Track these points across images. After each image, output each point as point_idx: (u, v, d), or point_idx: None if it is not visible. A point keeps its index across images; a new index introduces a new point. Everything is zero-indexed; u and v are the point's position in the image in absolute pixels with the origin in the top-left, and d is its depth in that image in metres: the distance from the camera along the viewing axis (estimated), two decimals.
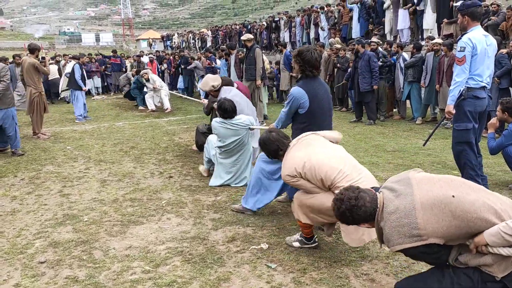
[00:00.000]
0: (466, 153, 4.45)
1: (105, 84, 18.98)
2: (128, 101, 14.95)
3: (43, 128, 9.27)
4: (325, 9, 16.82)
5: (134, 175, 6.06)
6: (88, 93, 16.09)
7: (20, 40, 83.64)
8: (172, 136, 8.92)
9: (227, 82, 6.50)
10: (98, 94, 18.34)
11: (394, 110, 10.77)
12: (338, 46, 12.53)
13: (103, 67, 18.39)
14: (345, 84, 10.97)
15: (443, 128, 8.53)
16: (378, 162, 6.37)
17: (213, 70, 13.86)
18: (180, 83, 16.65)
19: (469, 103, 4.32)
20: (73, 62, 12.83)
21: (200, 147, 7.17)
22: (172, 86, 17.71)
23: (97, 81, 18.28)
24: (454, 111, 4.39)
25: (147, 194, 5.17)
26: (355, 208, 2.31)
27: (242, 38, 9.60)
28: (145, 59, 19.10)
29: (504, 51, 7.82)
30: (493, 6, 10.30)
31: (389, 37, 13.47)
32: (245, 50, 9.52)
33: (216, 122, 5.26)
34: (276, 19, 20.97)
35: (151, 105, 12.88)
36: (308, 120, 4.01)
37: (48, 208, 4.76)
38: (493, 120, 4.83)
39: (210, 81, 6.08)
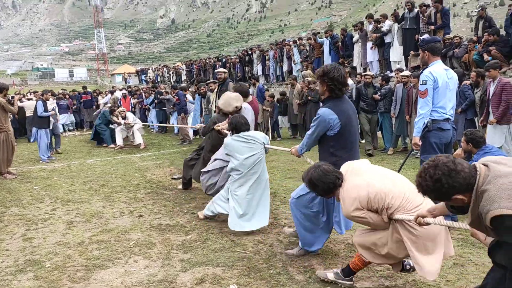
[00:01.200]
0: None
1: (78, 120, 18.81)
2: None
3: (11, 168, 9.01)
4: (298, 42, 17.17)
5: (102, 215, 5.89)
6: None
7: None
8: (144, 173, 8.77)
9: (242, 90, 6.19)
10: (70, 130, 18.10)
11: (361, 141, 10.88)
12: (310, 78, 12.74)
13: (76, 102, 18.26)
14: None
15: (414, 158, 8.64)
16: None
17: (182, 107, 13.60)
18: (152, 119, 16.53)
19: (434, 134, 4.41)
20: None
21: (187, 183, 7.01)
22: (142, 121, 17.65)
23: (69, 117, 18.08)
24: (420, 143, 4.45)
25: (115, 235, 5.00)
26: (454, 173, 2.02)
27: (216, 71, 9.66)
28: (118, 94, 18.99)
29: (467, 82, 8.06)
30: (455, 38, 10.69)
31: (359, 70, 13.77)
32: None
33: (231, 137, 4.98)
34: (249, 52, 21.30)
35: (119, 141, 12.70)
36: (338, 143, 3.76)
37: (9, 254, 4.55)
38: (458, 151, 4.91)
39: (233, 101, 5.64)
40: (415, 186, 2.83)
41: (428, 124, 4.39)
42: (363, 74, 10.80)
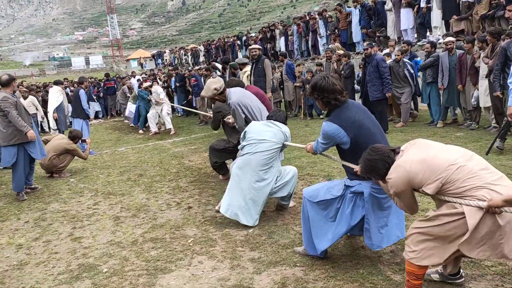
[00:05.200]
0: None
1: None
2: (128, 124, 14.45)
3: None
4: (323, 14, 16.40)
5: (149, 208, 5.50)
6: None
7: (10, 69, 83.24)
8: (181, 159, 8.36)
9: (236, 84, 5.79)
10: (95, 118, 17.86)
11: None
12: (341, 52, 12.06)
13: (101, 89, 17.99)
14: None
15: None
16: None
17: (200, 88, 13.19)
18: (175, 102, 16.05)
19: None
20: (55, 87, 12.10)
21: (220, 166, 6.36)
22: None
23: (96, 105, 17.80)
24: None
25: (169, 231, 4.60)
26: None
27: (249, 48, 9.06)
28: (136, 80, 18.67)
29: None
30: None
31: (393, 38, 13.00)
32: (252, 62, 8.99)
33: (258, 122, 4.75)
34: (271, 28, 20.57)
35: (154, 127, 12.26)
36: (358, 151, 3.19)
37: (59, 257, 4.18)
38: None
39: (212, 84, 5.29)
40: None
41: None
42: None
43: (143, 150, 9.94)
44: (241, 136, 4.78)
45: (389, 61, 9.45)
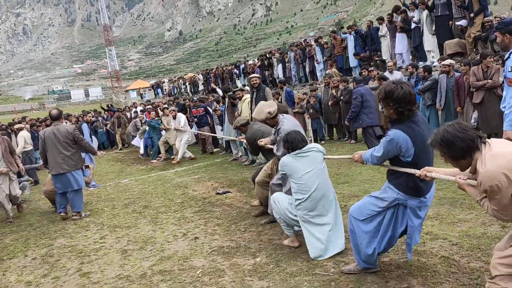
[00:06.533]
0: None
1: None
2: (130, 155, 14.57)
3: None
4: (319, 41, 16.74)
5: (155, 240, 5.53)
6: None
7: (10, 103, 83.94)
8: (185, 189, 8.42)
9: (282, 111, 5.77)
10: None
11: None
12: (338, 78, 12.28)
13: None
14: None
15: None
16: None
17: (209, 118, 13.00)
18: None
19: None
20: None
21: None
22: None
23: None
24: None
25: (177, 263, 4.63)
26: None
27: (249, 77, 9.25)
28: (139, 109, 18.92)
29: None
30: (496, 20, 10.11)
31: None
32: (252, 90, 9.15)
33: (288, 157, 4.39)
34: (268, 56, 20.92)
35: (163, 151, 12.39)
36: (415, 168, 3.24)
37: None
38: None
39: (265, 107, 5.19)
40: None
41: None
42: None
43: (147, 181, 10.00)
44: (282, 175, 4.66)
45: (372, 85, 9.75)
